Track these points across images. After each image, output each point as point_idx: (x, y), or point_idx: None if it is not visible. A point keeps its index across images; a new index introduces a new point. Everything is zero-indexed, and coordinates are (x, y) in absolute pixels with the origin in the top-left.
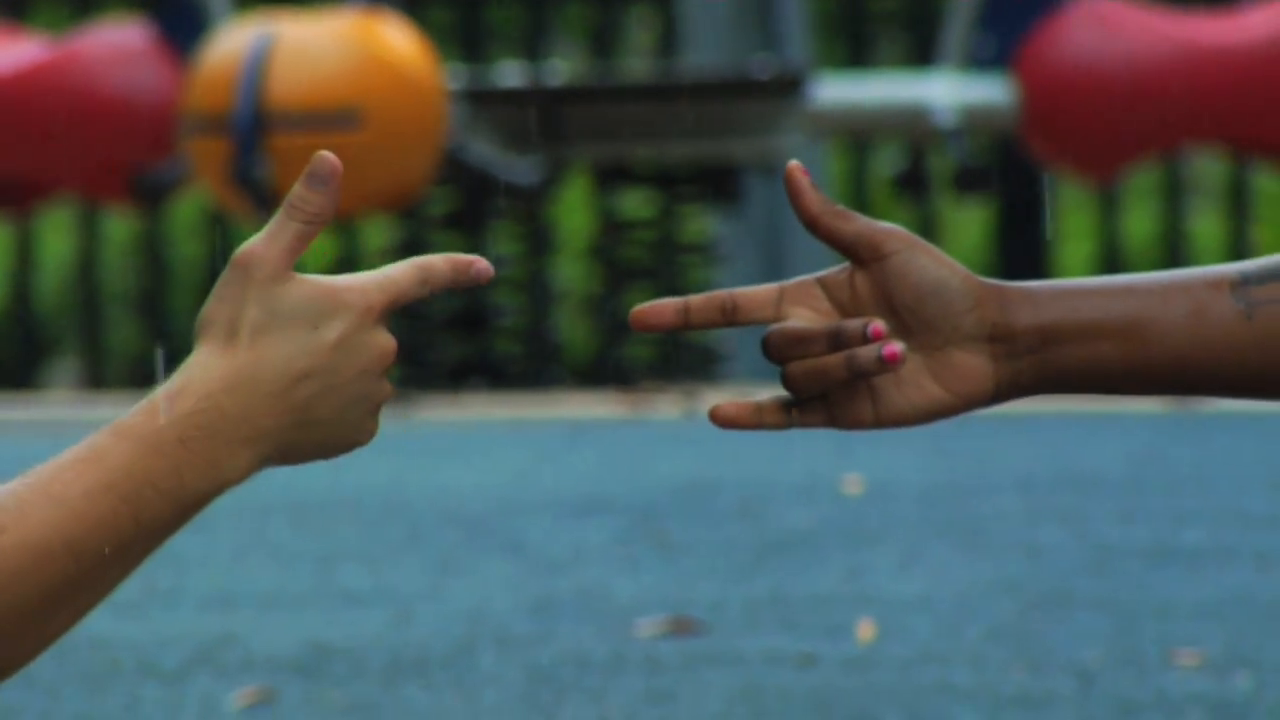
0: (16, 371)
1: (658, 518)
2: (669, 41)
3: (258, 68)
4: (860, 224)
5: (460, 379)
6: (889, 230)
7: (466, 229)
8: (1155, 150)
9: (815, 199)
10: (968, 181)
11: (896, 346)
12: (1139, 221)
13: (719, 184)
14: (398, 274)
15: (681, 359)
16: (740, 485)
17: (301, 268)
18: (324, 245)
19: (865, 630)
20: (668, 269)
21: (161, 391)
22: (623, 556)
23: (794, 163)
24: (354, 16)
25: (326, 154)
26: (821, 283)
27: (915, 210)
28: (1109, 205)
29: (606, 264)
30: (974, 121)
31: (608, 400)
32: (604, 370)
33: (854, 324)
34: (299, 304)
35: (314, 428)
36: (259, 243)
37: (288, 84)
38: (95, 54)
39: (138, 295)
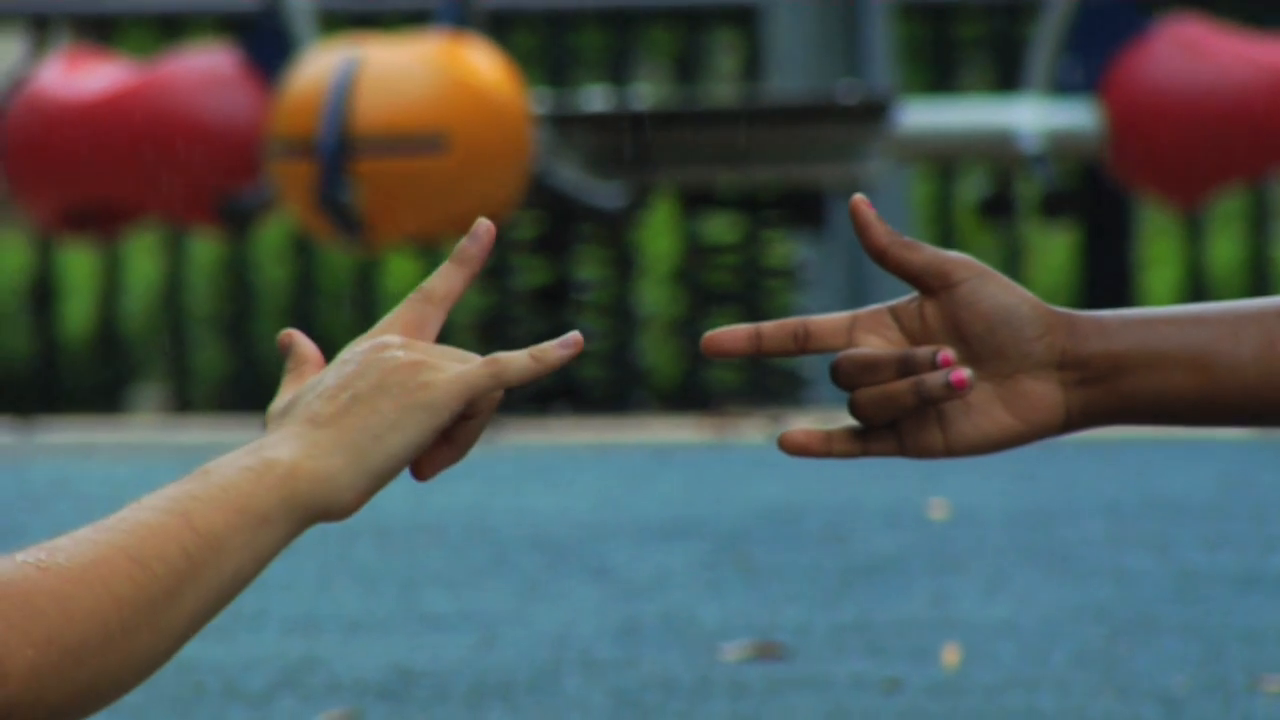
0: (103, 395)
1: (743, 542)
2: (754, 66)
3: (343, 92)
4: (928, 254)
5: (545, 403)
6: (957, 259)
7: (552, 253)
8: (1241, 176)
9: (882, 230)
10: (1053, 207)
11: (964, 373)
12: (1224, 247)
13: (804, 209)
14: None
15: (766, 383)
16: (825, 510)
17: (390, 292)
18: (409, 268)
19: (951, 655)
20: (752, 294)
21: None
22: (708, 581)
23: (858, 196)
24: (439, 40)
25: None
26: (893, 311)
27: (1000, 236)
28: (1195, 231)
29: (691, 288)
30: (1059, 147)
31: (692, 425)
32: (689, 395)
33: (923, 351)
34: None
35: (361, 405)
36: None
37: (373, 108)
38: (182, 78)
39: (223, 319)
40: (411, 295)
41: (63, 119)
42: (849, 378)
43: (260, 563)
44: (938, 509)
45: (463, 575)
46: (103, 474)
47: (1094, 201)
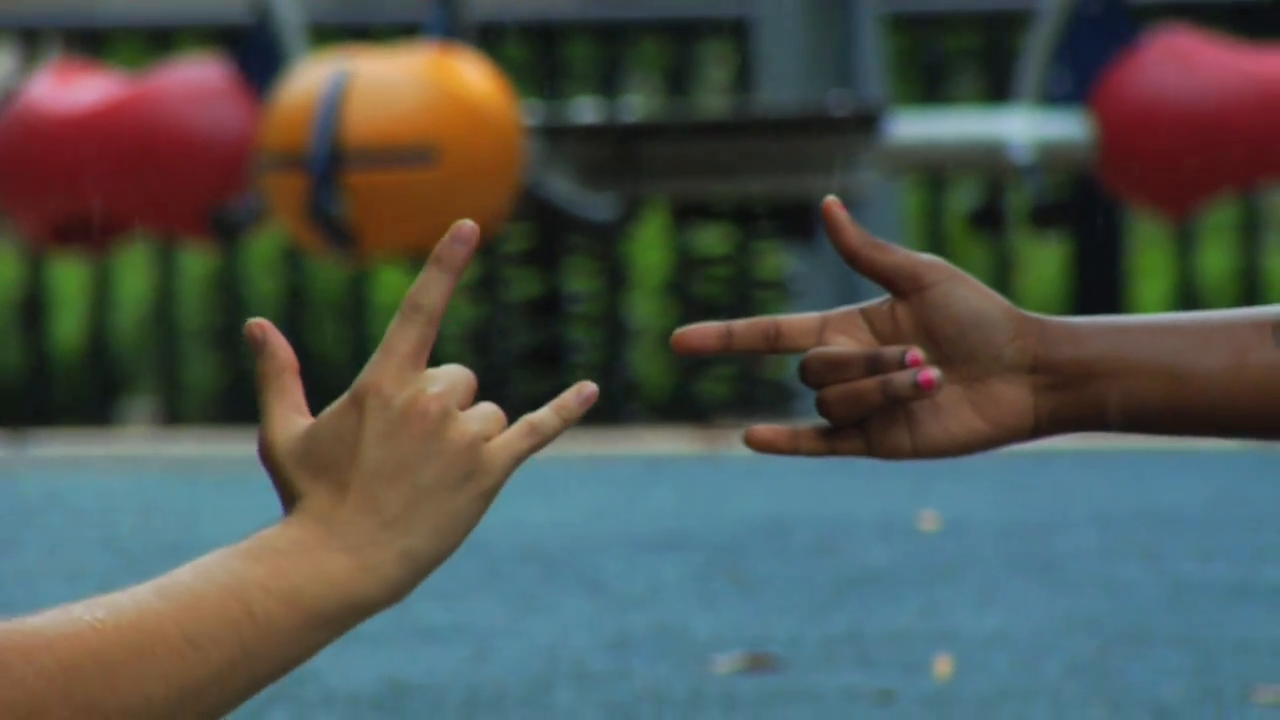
0: (93, 408)
1: (734, 554)
2: (744, 77)
3: (334, 104)
4: (899, 255)
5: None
6: (929, 262)
7: (542, 265)
8: (1232, 186)
9: (854, 232)
10: (1044, 218)
11: (932, 372)
12: (1215, 258)
13: (795, 220)
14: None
15: (758, 395)
16: (816, 522)
17: (381, 304)
18: (399, 282)
19: (943, 666)
20: (743, 305)
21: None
22: (700, 593)
23: (830, 198)
24: (429, 53)
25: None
26: (864, 313)
27: (991, 247)
28: (1185, 242)
29: (682, 300)
30: (1050, 158)
31: (684, 437)
32: (680, 407)
33: (891, 350)
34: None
35: (427, 502)
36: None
37: (364, 120)
38: (172, 91)
39: (214, 332)
40: (406, 311)
41: (52, 132)
42: (817, 376)
43: (307, 657)
44: (929, 520)
45: (455, 588)
46: (94, 487)
47: (1085, 213)
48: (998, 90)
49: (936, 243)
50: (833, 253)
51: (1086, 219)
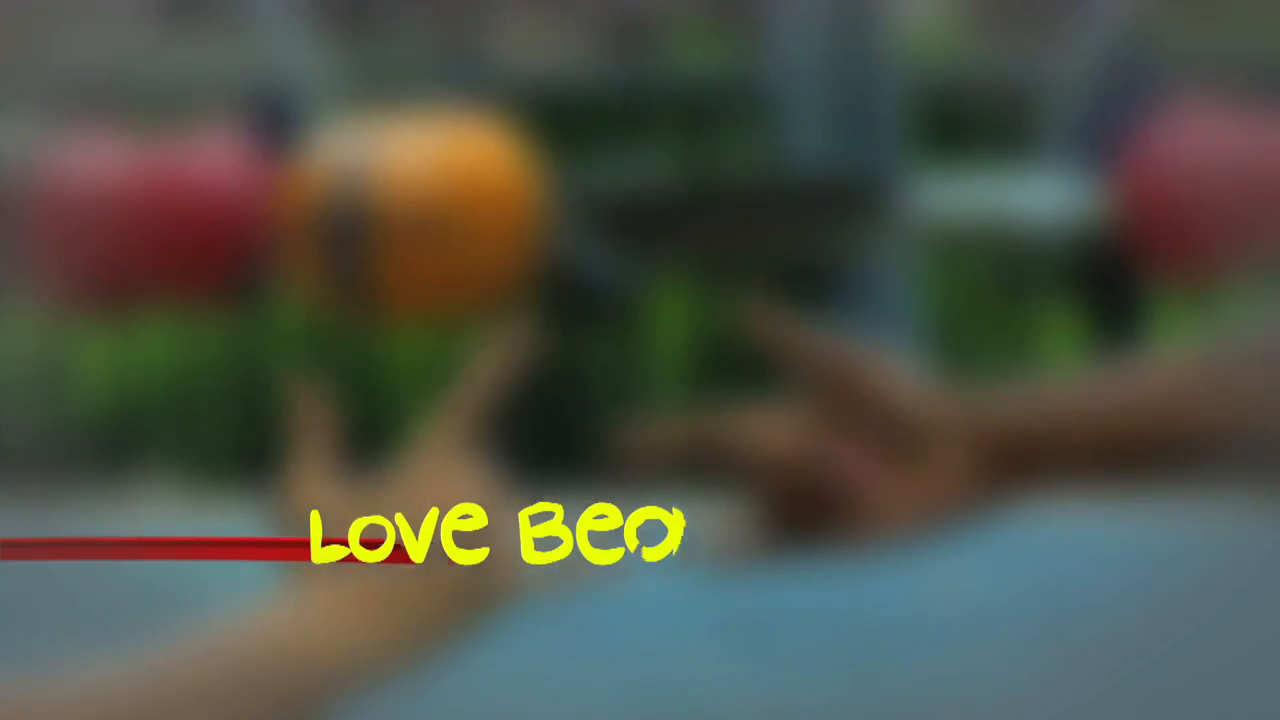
0: (114, 475)
1: None
2: (764, 146)
3: (357, 172)
4: (816, 342)
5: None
6: (847, 347)
7: (560, 334)
8: (1260, 254)
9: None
10: (1063, 286)
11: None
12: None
13: (811, 287)
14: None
15: None
16: None
17: (412, 376)
18: (420, 348)
19: None
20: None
21: None
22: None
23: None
24: (453, 120)
25: None
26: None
27: (1011, 314)
28: (1209, 312)
29: (698, 367)
30: (1072, 225)
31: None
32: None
33: (824, 447)
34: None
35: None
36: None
37: (387, 187)
38: (193, 156)
39: (237, 399)
40: (450, 418)
41: (72, 195)
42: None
43: None
44: None
45: None
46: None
47: (1107, 280)
48: (1019, 157)
49: (955, 311)
50: (848, 320)
51: (1108, 287)
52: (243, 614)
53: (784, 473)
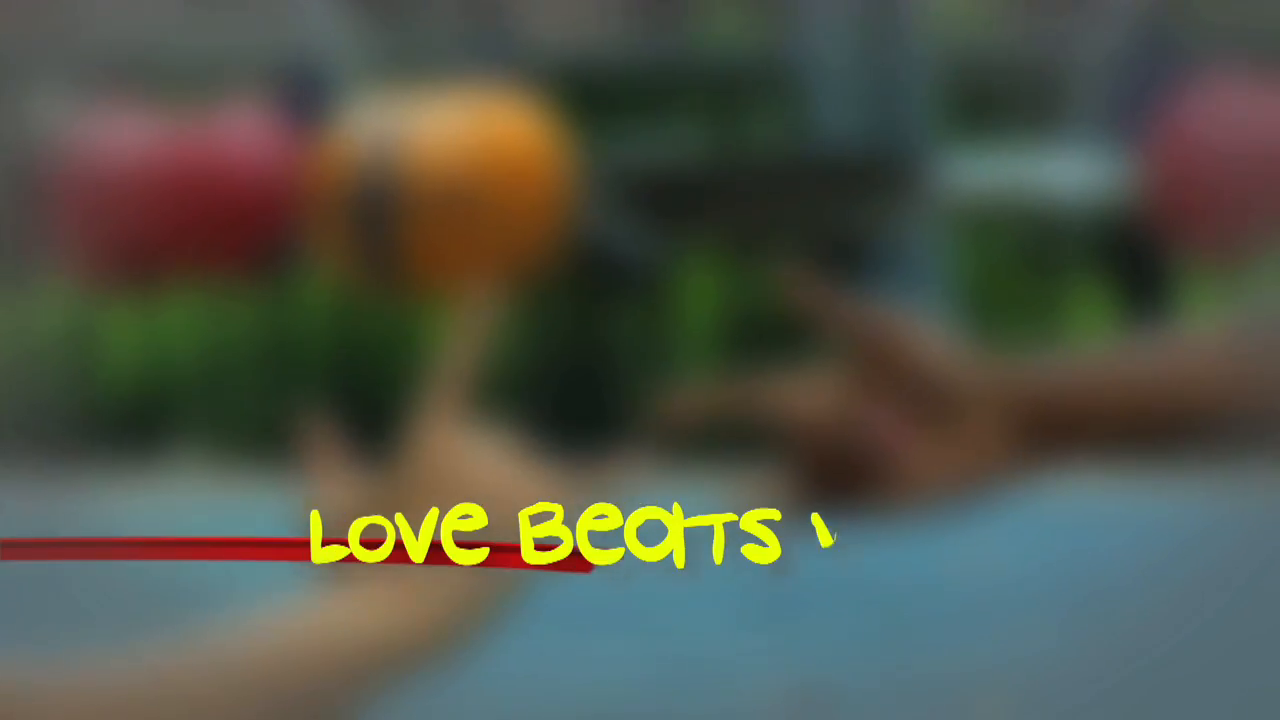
0: (142, 450)
1: None
2: (793, 122)
3: (386, 148)
4: (852, 306)
5: None
6: (882, 311)
7: (587, 310)
8: None
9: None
10: (1090, 261)
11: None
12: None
13: (839, 264)
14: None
15: None
16: None
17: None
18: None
19: None
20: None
21: None
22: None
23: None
24: (482, 95)
25: None
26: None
27: (1040, 290)
28: (1239, 287)
29: (729, 344)
30: (1100, 200)
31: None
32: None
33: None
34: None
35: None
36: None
37: (417, 163)
38: (223, 130)
39: (266, 375)
40: (447, 394)
41: (101, 170)
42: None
43: None
44: None
45: None
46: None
47: (1136, 255)
48: (1048, 132)
49: (984, 286)
50: (879, 296)
51: (1137, 262)
52: (278, 607)
53: (818, 437)
